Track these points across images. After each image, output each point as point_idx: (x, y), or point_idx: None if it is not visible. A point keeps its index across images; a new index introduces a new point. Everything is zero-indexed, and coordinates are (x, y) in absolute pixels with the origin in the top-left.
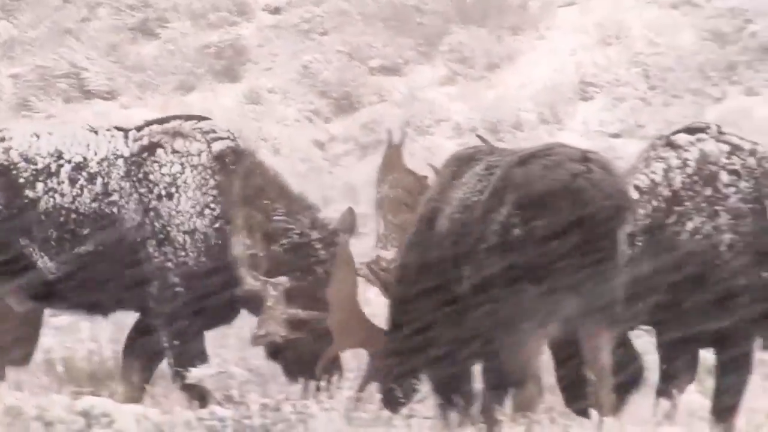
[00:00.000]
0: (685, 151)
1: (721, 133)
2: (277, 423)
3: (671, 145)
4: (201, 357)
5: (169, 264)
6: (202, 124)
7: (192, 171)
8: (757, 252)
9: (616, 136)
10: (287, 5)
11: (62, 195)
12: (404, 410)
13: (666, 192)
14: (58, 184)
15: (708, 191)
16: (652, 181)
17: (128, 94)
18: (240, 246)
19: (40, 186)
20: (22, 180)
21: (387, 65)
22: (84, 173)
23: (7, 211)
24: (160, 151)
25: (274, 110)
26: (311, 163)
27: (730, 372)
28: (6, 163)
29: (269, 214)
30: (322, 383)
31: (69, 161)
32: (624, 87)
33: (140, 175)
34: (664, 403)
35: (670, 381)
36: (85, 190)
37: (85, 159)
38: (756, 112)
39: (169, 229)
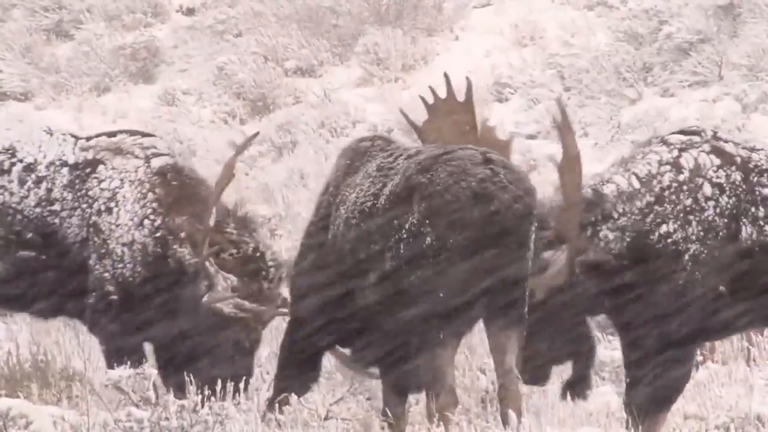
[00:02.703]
0: (679, 151)
1: (717, 139)
2: (195, 425)
3: (665, 143)
4: (136, 362)
5: (107, 275)
6: (143, 140)
7: (130, 186)
8: (720, 266)
9: (531, 137)
10: (202, 7)
11: (11, 194)
12: (322, 411)
13: (657, 188)
14: (9, 182)
15: (688, 201)
16: (649, 172)
17: (43, 95)
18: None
19: None
20: None
21: (302, 66)
22: (33, 175)
23: None
24: (100, 167)
25: (189, 111)
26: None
27: (669, 370)
28: None
29: (222, 228)
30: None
31: (21, 160)
32: (539, 88)
33: (82, 191)
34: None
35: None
36: (31, 193)
37: (35, 160)
38: (672, 113)
39: (108, 242)
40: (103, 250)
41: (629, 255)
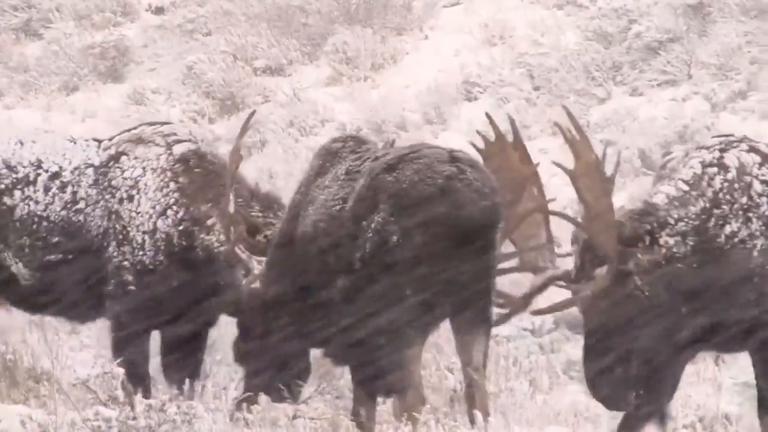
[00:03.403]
0: (720, 152)
1: (749, 140)
2: (162, 424)
3: (704, 147)
4: (141, 357)
5: (126, 263)
6: (163, 128)
7: (152, 174)
8: None
9: None
10: (171, 6)
11: (36, 203)
12: (289, 411)
13: (709, 192)
14: (34, 192)
15: (744, 199)
16: (694, 174)
17: (12, 94)
18: (228, 208)
19: (17, 194)
20: (2, 186)
21: (271, 66)
22: (57, 182)
23: None
24: (123, 158)
25: (158, 111)
26: None
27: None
28: None
29: (245, 213)
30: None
31: (46, 171)
32: (508, 87)
33: (105, 183)
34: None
35: None
36: (56, 198)
37: (60, 168)
38: (641, 112)
39: (129, 229)
40: (122, 237)
41: (696, 258)
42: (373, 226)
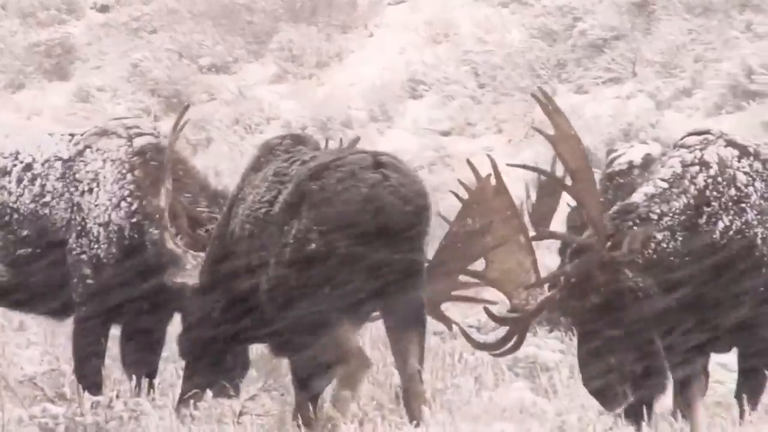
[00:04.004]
0: (700, 150)
1: (725, 134)
2: (110, 420)
3: (683, 146)
4: (97, 350)
5: (84, 256)
6: (127, 121)
7: (111, 165)
8: None
9: (446, 134)
10: (116, 4)
11: (10, 194)
12: (236, 407)
13: (692, 190)
14: (8, 182)
15: (732, 191)
16: (674, 173)
17: None
18: (164, 204)
19: None
20: None
21: (217, 63)
22: (29, 174)
23: None
24: (87, 151)
25: (104, 108)
26: None
27: (756, 362)
28: None
29: (191, 206)
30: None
31: (21, 162)
32: (453, 85)
33: (71, 177)
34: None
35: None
36: (26, 191)
37: (33, 160)
38: (586, 110)
39: (87, 221)
40: (80, 229)
41: (689, 253)
42: (293, 232)
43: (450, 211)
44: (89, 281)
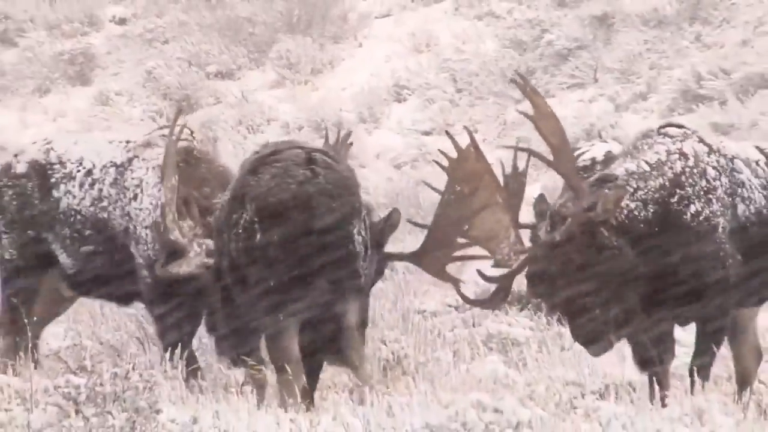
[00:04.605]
0: (680, 141)
1: (697, 134)
2: (126, 390)
3: (666, 135)
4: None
5: (141, 260)
6: (166, 131)
7: (152, 171)
8: (735, 238)
9: (427, 133)
10: (133, 17)
11: (74, 197)
12: (240, 378)
13: (670, 174)
14: (73, 187)
15: (703, 182)
16: (659, 159)
17: None
18: (167, 198)
19: (62, 187)
20: (53, 180)
21: (222, 71)
22: (89, 179)
23: (41, 207)
24: (134, 160)
25: (121, 111)
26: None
27: (709, 340)
28: (44, 162)
29: (207, 199)
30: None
31: (84, 167)
32: (434, 90)
33: (121, 184)
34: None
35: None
36: (87, 194)
37: (93, 166)
38: None
39: (137, 227)
40: (135, 236)
41: (658, 224)
42: (242, 222)
43: (430, 201)
44: (148, 281)
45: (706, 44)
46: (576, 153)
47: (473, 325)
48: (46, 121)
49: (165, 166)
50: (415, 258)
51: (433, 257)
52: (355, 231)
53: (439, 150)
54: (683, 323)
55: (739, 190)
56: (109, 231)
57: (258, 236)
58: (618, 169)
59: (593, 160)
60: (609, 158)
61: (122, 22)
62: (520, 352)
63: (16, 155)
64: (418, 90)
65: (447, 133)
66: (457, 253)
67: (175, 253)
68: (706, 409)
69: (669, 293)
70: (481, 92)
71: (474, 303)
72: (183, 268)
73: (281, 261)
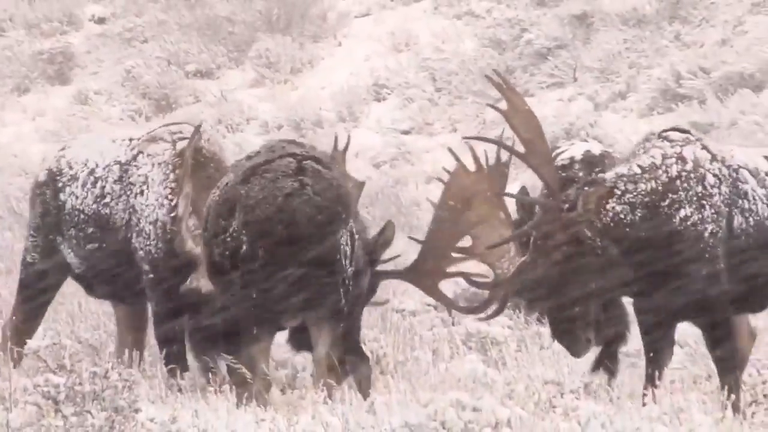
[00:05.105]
0: (680, 146)
1: (700, 138)
2: (106, 389)
3: (665, 139)
4: (174, 339)
5: (142, 253)
6: (174, 127)
7: (158, 168)
8: (728, 247)
9: (406, 132)
10: (112, 16)
11: (77, 197)
12: (218, 378)
13: (664, 177)
14: (77, 188)
15: (699, 188)
16: (653, 163)
17: None
18: (182, 208)
19: (68, 190)
20: (60, 184)
21: (201, 70)
22: (92, 177)
23: (54, 213)
24: (139, 156)
25: (100, 110)
26: None
27: (714, 338)
28: (55, 169)
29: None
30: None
31: (88, 168)
32: (413, 89)
33: (126, 180)
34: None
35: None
36: (89, 193)
37: (96, 165)
38: None
39: (141, 221)
40: (138, 229)
41: (645, 229)
42: (229, 230)
43: (410, 200)
44: (150, 275)
45: (686, 43)
46: (555, 152)
47: (452, 324)
48: (25, 120)
49: (181, 178)
50: (408, 275)
51: (426, 274)
52: (337, 246)
53: (444, 168)
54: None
55: (740, 201)
56: (111, 226)
57: (244, 247)
58: (609, 173)
59: (572, 159)
60: (587, 157)
61: (101, 21)
62: (499, 351)
63: (43, 163)
64: (397, 89)
65: (450, 150)
66: (451, 269)
67: (189, 264)
68: (685, 408)
69: (656, 296)
70: (461, 91)
71: (467, 311)
72: (203, 284)
73: (262, 274)
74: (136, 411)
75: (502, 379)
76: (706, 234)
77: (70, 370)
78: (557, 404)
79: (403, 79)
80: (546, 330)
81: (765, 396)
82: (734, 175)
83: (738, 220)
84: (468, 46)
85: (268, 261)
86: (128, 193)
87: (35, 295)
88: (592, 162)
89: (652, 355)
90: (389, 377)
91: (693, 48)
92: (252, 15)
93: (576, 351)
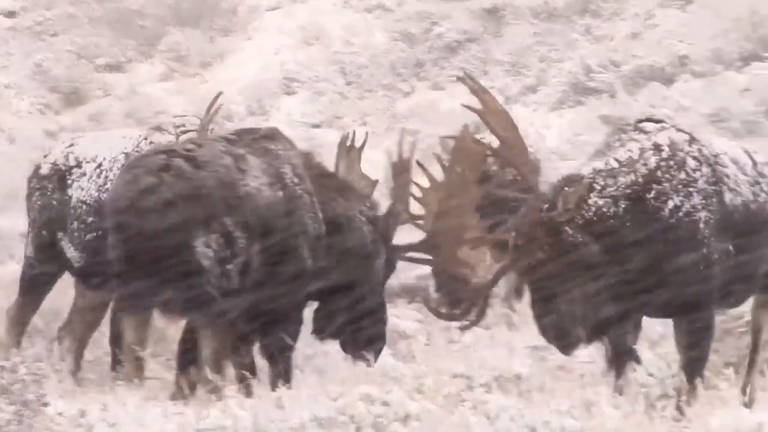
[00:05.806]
0: (655, 136)
1: (676, 125)
2: (14, 384)
3: (641, 130)
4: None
5: None
6: (177, 120)
7: None
8: (722, 228)
9: (316, 126)
10: (21, 10)
11: (82, 190)
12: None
13: (643, 169)
14: (84, 182)
15: (682, 175)
16: (630, 157)
17: None
18: None
19: (75, 185)
20: (69, 181)
21: (111, 63)
22: (98, 170)
23: (57, 208)
24: (143, 143)
25: (9, 104)
26: (43, 151)
27: (696, 335)
28: (63, 167)
29: None
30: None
31: (96, 162)
32: (323, 82)
33: None
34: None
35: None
36: (93, 183)
37: (104, 159)
38: (441, 105)
39: None
40: None
41: (631, 219)
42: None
43: None
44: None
45: (596, 37)
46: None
47: None
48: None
49: None
50: (425, 246)
51: (443, 244)
52: (197, 243)
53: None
54: (657, 316)
55: (725, 179)
56: None
57: (109, 237)
58: (585, 168)
59: None
60: None
61: (11, 14)
62: (408, 344)
63: (45, 156)
64: (307, 83)
65: (418, 163)
66: (470, 235)
67: None
68: (595, 401)
69: (646, 287)
70: (371, 85)
71: (449, 318)
72: None
73: (120, 265)
74: (45, 405)
75: (411, 372)
76: (701, 224)
77: None
78: (466, 398)
79: (314, 72)
80: (454, 324)
81: (675, 390)
82: (714, 158)
83: (728, 196)
84: (378, 39)
85: (125, 253)
86: None
87: (29, 288)
88: None
89: (619, 347)
90: (298, 371)
91: (603, 41)
92: (162, 8)
93: (567, 349)
